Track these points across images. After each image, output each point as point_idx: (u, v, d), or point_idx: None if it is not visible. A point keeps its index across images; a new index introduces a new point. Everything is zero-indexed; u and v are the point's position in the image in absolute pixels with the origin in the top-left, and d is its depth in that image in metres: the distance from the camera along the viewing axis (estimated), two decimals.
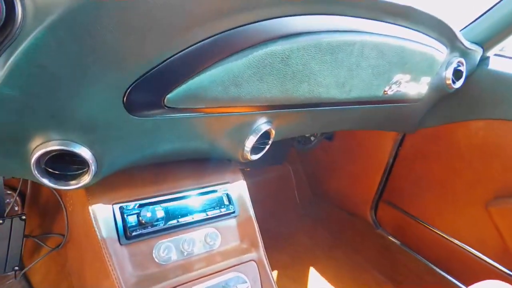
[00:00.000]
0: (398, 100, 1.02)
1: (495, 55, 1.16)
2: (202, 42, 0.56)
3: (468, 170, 1.20)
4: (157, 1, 0.47)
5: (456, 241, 1.25)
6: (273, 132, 0.81)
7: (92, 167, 0.57)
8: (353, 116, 1.00)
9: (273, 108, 0.75)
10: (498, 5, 1.07)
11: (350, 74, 0.80)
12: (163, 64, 0.54)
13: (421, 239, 1.35)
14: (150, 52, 0.51)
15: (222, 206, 0.78)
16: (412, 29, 0.87)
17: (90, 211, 0.67)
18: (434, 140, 1.28)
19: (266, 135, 0.81)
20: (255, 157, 0.82)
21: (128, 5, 0.46)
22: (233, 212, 0.78)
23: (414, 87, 1.01)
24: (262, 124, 0.78)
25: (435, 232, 1.30)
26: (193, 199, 0.76)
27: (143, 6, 0.47)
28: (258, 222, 0.78)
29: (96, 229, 0.66)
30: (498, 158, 1.12)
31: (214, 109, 0.66)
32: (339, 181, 1.59)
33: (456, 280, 1.25)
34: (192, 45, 0.55)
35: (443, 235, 1.28)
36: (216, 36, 0.57)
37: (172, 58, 0.54)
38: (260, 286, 0.74)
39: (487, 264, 1.17)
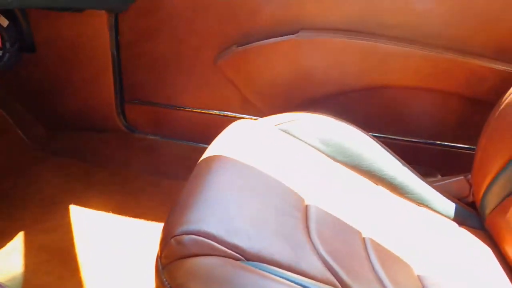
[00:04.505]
0: None
1: None
2: None
3: (192, 35, 1.13)
4: None
5: (208, 111, 1.22)
6: None
7: None
8: None
9: None
10: None
11: None
12: None
13: (178, 124, 1.28)
14: None
15: None
16: None
17: None
18: (150, 14, 1.12)
19: None
20: None
21: None
22: None
23: None
24: None
25: (188, 110, 1.24)
26: None
27: None
28: None
29: None
30: (210, 11, 1.07)
31: None
32: (71, 98, 1.28)
33: None
34: None
35: (195, 110, 1.24)
36: None
37: None
38: None
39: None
